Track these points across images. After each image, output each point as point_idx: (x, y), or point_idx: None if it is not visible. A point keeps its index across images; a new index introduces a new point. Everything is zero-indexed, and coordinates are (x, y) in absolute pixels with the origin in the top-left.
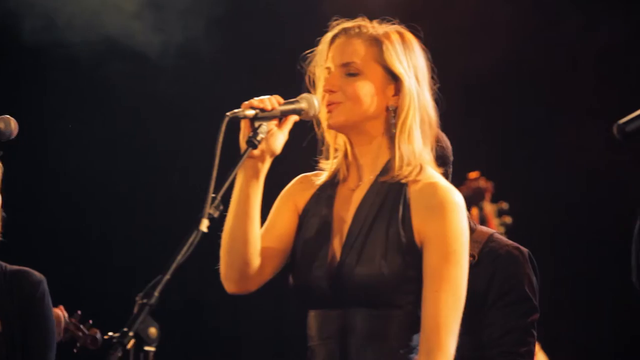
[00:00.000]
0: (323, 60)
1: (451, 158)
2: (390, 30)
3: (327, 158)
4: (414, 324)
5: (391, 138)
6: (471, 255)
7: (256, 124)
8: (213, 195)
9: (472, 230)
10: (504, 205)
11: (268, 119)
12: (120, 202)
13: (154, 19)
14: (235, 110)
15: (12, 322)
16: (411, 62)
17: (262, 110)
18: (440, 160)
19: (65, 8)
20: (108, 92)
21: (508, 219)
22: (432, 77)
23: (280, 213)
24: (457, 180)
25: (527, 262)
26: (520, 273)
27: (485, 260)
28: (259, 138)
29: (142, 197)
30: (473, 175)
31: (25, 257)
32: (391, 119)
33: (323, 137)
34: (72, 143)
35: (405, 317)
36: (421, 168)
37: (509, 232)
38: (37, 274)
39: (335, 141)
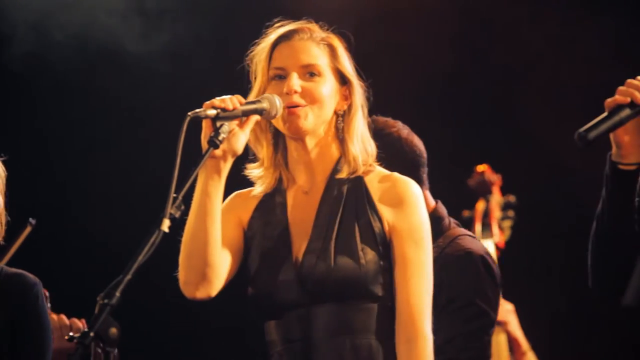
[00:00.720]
0: (266, 59)
1: (425, 161)
2: (332, 36)
3: (258, 165)
4: (384, 314)
5: (339, 138)
6: None
7: (218, 124)
8: (174, 195)
9: (443, 232)
10: (512, 199)
11: (230, 118)
12: (120, 206)
13: (143, 24)
14: (197, 110)
15: (3, 323)
16: (352, 67)
17: (224, 110)
18: (415, 164)
19: (54, 15)
20: (100, 96)
21: (511, 213)
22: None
23: (224, 225)
24: (466, 172)
25: (479, 267)
26: (467, 279)
27: (437, 266)
28: (220, 138)
29: (140, 200)
30: (481, 167)
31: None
32: (339, 122)
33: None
34: (66, 149)
35: (377, 308)
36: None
37: (515, 225)
38: (31, 276)
39: (265, 148)
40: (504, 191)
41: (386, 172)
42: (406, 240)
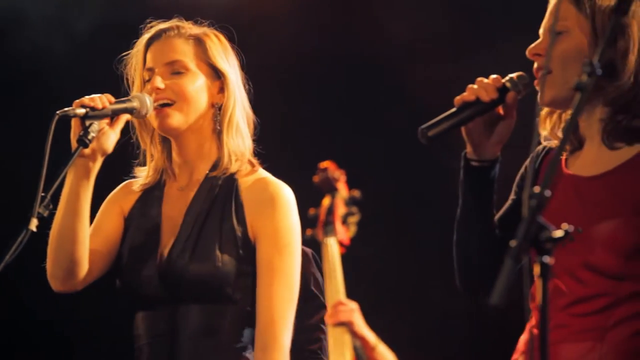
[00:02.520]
0: (141, 62)
1: None
2: (209, 31)
3: (144, 164)
4: (247, 318)
5: (218, 135)
6: None
7: (87, 123)
8: (42, 194)
9: None
10: (356, 194)
11: (99, 117)
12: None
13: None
14: (66, 109)
15: None
16: (230, 60)
17: (93, 109)
18: None
19: None
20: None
21: (356, 209)
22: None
23: (106, 216)
24: (312, 169)
25: (312, 262)
26: (306, 273)
27: None
28: (89, 137)
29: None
30: (324, 164)
31: None
32: (217, 115)
33: (138, 142)
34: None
35: (239, 312)
36: (252, 164)
37: (360, 221)
38: None
39: (150, 147)
40: (350, 186)
41: (263, 175)
42: (271, 246)
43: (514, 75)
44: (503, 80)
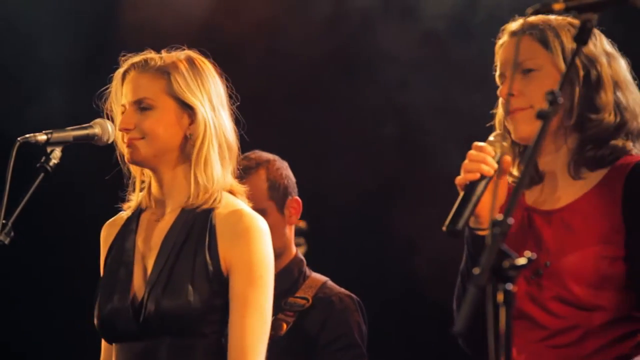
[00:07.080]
0: (117, 97)
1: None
2: (178, 59)
3: (134, 191)
4: (218, 351)
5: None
6: (305, 299)
7: (48, 149)
8: (3, 221)
9: (307, 276)
10: (302, 225)
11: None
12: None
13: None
14: (27, 135)
15: None
16: (203, 88)
17: (54, 134)
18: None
19: None
20: None
21: (302, 240)
22: (230, 97)
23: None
24: None
25: (358, 310)
26: (351, 320)
27: (319, 305)
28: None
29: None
30: None
31: None
32: (190, 147)
33: (129, 170)
34: None
35: (210, 345)
36: (221, 195)
37: (308, 252)
38: None
39: (141, 173)
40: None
41: (238, 205)
42: (244, 278)
43: (491, 138)
44: (488, 146)
